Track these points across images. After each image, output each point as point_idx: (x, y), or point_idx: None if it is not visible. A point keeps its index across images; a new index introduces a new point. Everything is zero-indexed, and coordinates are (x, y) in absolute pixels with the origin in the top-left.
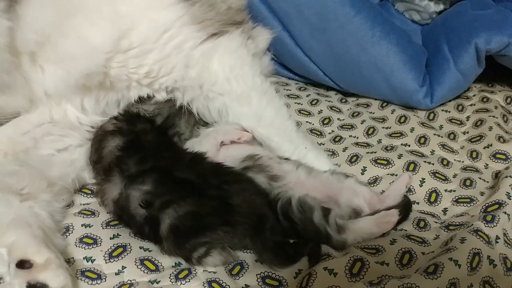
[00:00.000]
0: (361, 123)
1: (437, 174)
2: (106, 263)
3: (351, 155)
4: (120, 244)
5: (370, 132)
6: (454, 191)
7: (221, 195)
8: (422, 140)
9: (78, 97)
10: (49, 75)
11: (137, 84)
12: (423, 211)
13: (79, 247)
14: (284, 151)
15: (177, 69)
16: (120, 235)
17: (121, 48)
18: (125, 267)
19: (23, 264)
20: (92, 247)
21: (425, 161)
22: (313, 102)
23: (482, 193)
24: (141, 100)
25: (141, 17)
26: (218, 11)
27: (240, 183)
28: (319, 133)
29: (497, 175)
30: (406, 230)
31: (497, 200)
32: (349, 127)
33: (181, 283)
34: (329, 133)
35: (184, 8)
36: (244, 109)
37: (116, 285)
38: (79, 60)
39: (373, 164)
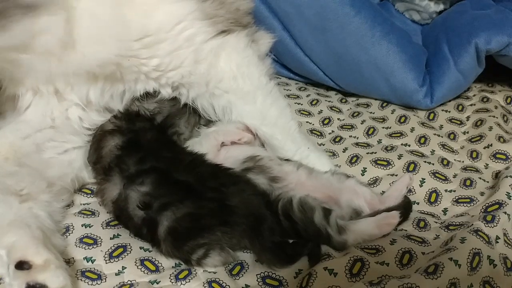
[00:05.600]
0: (361, 123)
1: (437, 174)
2: (106, 263)
3: (351, 155)
4: (120, 244)
5: (370, 132)
6: (454, 191)
7: (219, 197)
8: (422, 140)
9: (84, 87)
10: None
11: (145, 77)
12: (423, 211)
13: (79, 247)
14: (286, 151)
15: (186, 64)
16: (120, 235)
17: (136, 36)
18: (125, 268)
19: (22, 265)
20: (92, 247)
21: (425, 161)
22: (313, 102)
23: (482, 193)
24: (143, 97)
25: (157, 7)
26: (228, 9)
27: (238, 185)
28: (319, 133)
29: (497, 175)
30: (406, 230)
31: (497, 200)
32: (349, 127)
33: (181, 284)
34: (329, 133)
35: (196, 3)
36: (249, 107)
37: (116, 285)
38: (101, 46)
39: (373, 164)
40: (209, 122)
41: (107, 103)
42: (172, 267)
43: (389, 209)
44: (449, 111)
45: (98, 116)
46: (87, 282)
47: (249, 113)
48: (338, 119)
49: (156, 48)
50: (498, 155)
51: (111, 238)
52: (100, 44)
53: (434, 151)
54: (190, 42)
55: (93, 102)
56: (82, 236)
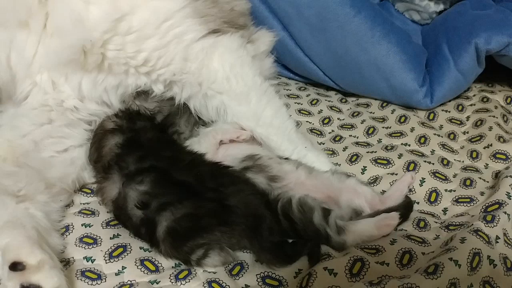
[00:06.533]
0: (361, 123)
1: (437, 174)
2: (106, 263)
3: (351, 154)
4: (120, 244)
5: (370, 131)
6: (454, 191)
7: (219, 197)
8: (422, 140)
9: (77, 76)
10: (42, 45)
11: (135, 71)
12: (423, 211)
13: (79, 246)
14: (283, 151)
15: (176, 61)
16: (120, 235)
17: (120, 30)
18: (125, 267)
19: (16, 266)
20: (92, 247)
21: (425, 161)
22: (313, 102)
23: (482, 193)
24: (142, 97)
25: (143, 3)
26: (221, 9)
27: (237, 185)
28: (319, 132)
29: (497, 175)
30: (406, 230)
31: (497, 200)
32: (349, 126)
33: (181, 284)
34: (329, 133)
35: (187, 0)
36: (243, 108)
37: (116, 285)
38: (70, 34)
39: (373, 163)
40: (209, 122)
41: (101, 97)
42: (172, 267)
43: (389, 210)
44: (449, 111)
45: (97, 106)
46: (87, 282)
47: (243, 113)
48: (338, 118)
49: (142, 43)
50: (498, 155)
51: (111, 238)
52: (70, 33)
53: (434, 151)
54: (179, 40)
55: (86, 95)
56: (82, 236)
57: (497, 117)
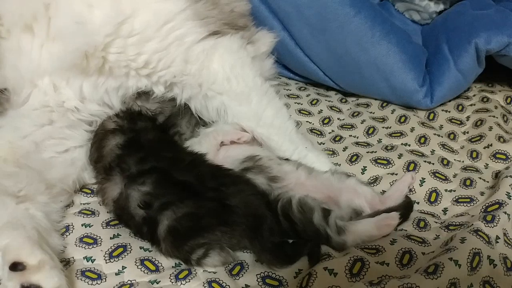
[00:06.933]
0: (361, 123)
1: (437, 174)
2: (106, 263)
3: (351, 154)
4: (120, 244)
5: (370, 131)
6: (454, 191)
7: (219, 197)
8: (422, 140)
9: (78, 80)
10: (46, 50)
11: (135, 73)
12: (423, 211)
13: (79, 246)
14: (284, 151)
15: (177, 63)
16: (120, 235)
17: (122, 33)
18: (125, 267)
19: (16, 266)
20: (92, 247)
21: (425, 161)
22: (313, 102)
23: (482, 193)
24: (144, 97)
25: (144, 5)
26: (221, 10)
27: (237, 185)
28: (319, 132)
29: (497, 175)
30: (406, 230)
31: (497, 200)
32: (349, 127)
33: (181, 283)
34: (329, 133)
35: (187, 2)
36: (243, 108)
37: (116, 285)
38: (74, 38)
39: (373, 163)
40: (209, 122)
41: (102, 98)
42: (172, 267)
43: (389, 210)
44: (449, 111)
45: (98, 107)
46: (87, 282)
47: (244, 114)
48: (338, 118)
49: (143, 46)
50: (498, 155)
51: (111, 238)
52: (73, 37)
53: (434, 151)
54: (180, 42)
55: (87, 97)
56: (82, 236)
57: (497, 117)
